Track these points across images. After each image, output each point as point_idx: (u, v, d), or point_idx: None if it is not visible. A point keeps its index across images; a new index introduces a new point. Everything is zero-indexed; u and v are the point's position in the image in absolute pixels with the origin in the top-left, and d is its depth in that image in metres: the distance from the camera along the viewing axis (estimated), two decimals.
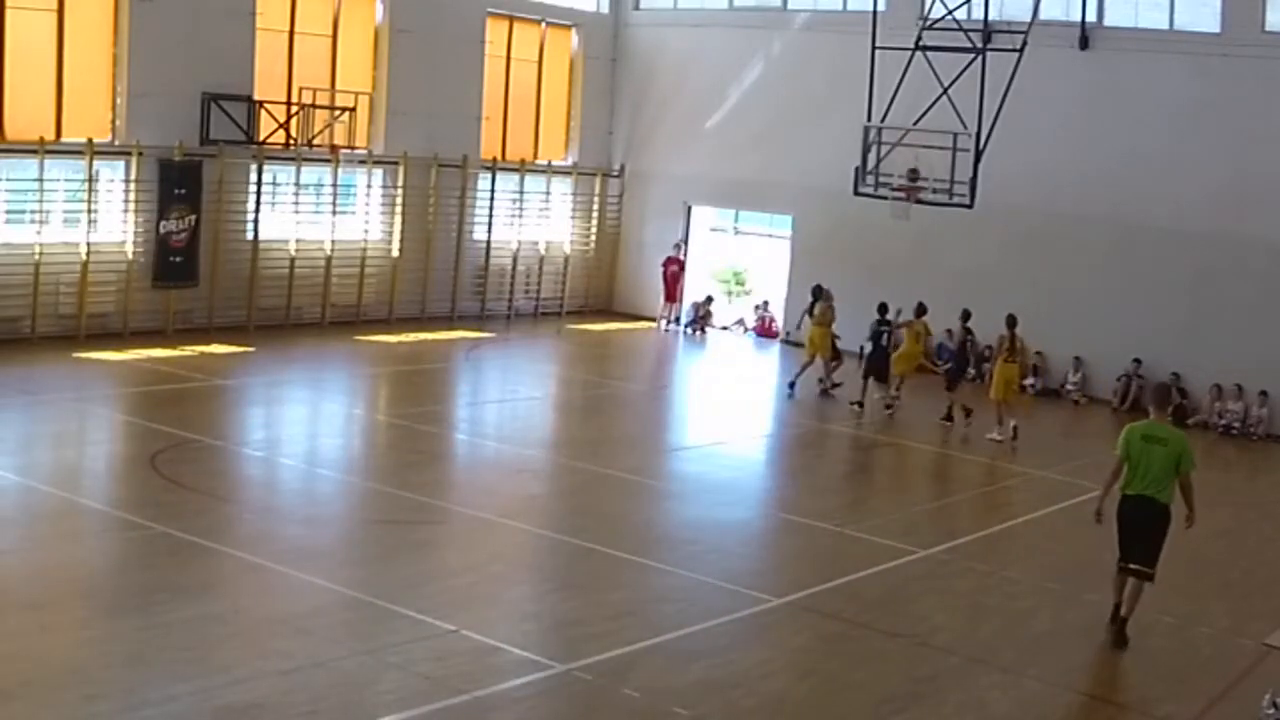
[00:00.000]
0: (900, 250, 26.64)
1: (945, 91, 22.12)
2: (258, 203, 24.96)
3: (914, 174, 22.21)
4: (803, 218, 29.30)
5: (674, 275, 30.21)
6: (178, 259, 23.82)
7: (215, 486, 14.91)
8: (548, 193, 30.66)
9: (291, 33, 25.46)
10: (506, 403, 22.54)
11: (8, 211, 22.43)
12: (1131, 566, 12.03)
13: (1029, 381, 25.87)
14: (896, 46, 22.75)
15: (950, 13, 22.95)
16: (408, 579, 12.38)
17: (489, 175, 28.95)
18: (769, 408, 24.58)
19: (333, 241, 26.31)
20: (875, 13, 23.47)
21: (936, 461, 20.40)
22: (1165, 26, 24.74)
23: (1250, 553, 16.21)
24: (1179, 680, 11.63)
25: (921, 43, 22.65)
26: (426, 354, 25.17)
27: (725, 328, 30.84)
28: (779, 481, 18.74)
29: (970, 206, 22.16)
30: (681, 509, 16.06)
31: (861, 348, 23.18)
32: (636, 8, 31.38)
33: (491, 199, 29.04)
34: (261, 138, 24.35)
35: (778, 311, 30.06)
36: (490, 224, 29.15)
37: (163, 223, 23.58)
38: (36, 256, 22.23)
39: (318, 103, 25.02)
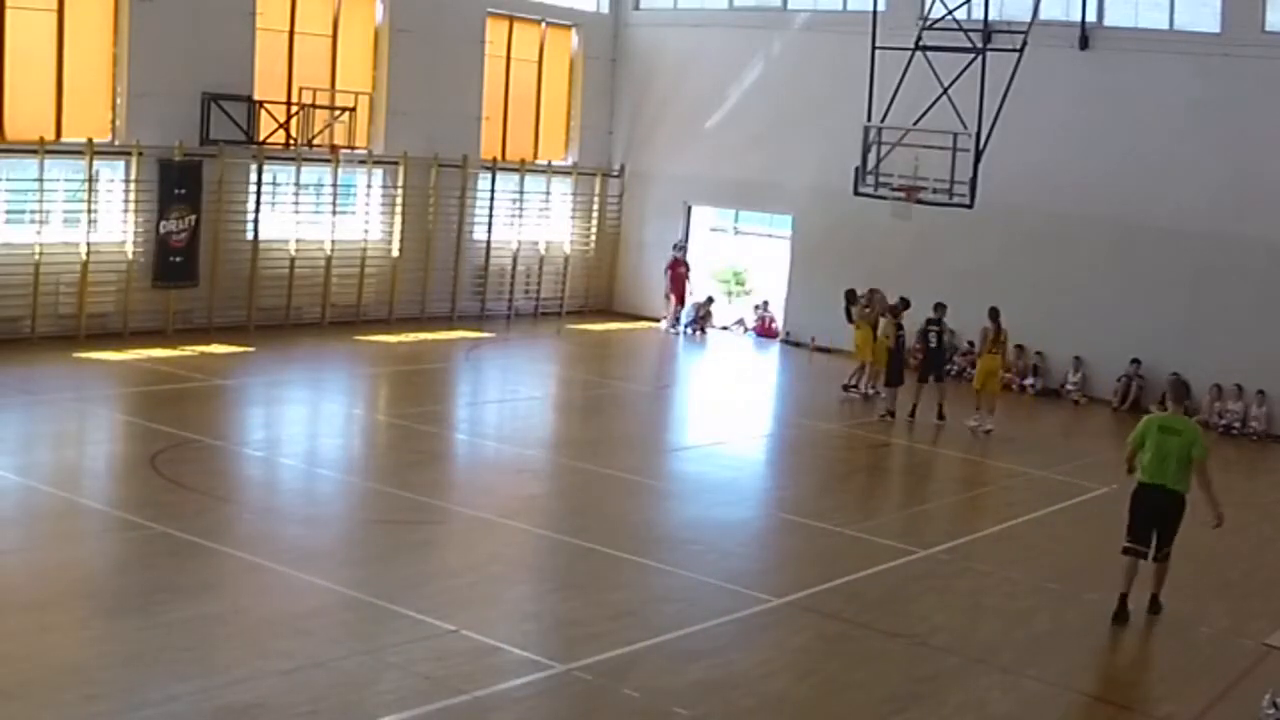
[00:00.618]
0: (900, 250, 26.62)
1: (945, 91, 22.13)
2: (258, 203, 24.96)
3: (912, 189, 22.33)
4: (803, 218, 29.30)
5: (680, 277, 30.18)
6: (178, 259, 23.83)
7: (215, 486, 14.91)
8: (548, 193, 30.67)
9: (291, 33, 25.46)
10: (506, 403, 22.53)
11: (8, 211, 22.43)
12: (1137, 548, 12.69)
13: (1029, 381, 25.90)
14: (896, 46, 22.75)
15: (950, 13, 22.95)
16: (408, 579, 12.38)
17: (489, 175, 28.95)
18: (769, 408, 24.60)
19: (333, 241, 26.31)
20: (875, 13, 23.48)
21: (936, 461, 20.40)
22: (1165, 26, 24.74)
23: (1250, 553, 16.20)
24: (1179, 680, 11.63)
25: (921, 43, 22.65)
26: (426, 354, 25.17)
27: (725, 328, 30.84)
28: (779, 481, 18.73)
29: (970, 206, 22.17)
30: (681, 509, 16.06)
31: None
32: (636, 8, 31.38)
33: (491, 199, 29.04)
34: (261, 138, 24.36)
35: (778, 311, 30.06)
36: (490, 224, 29.15)
37: (163, 223, 23.58)
38: (36, 256, 22.24)
39: (318, 103, 25.02)
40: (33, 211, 22.31)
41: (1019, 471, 18.92)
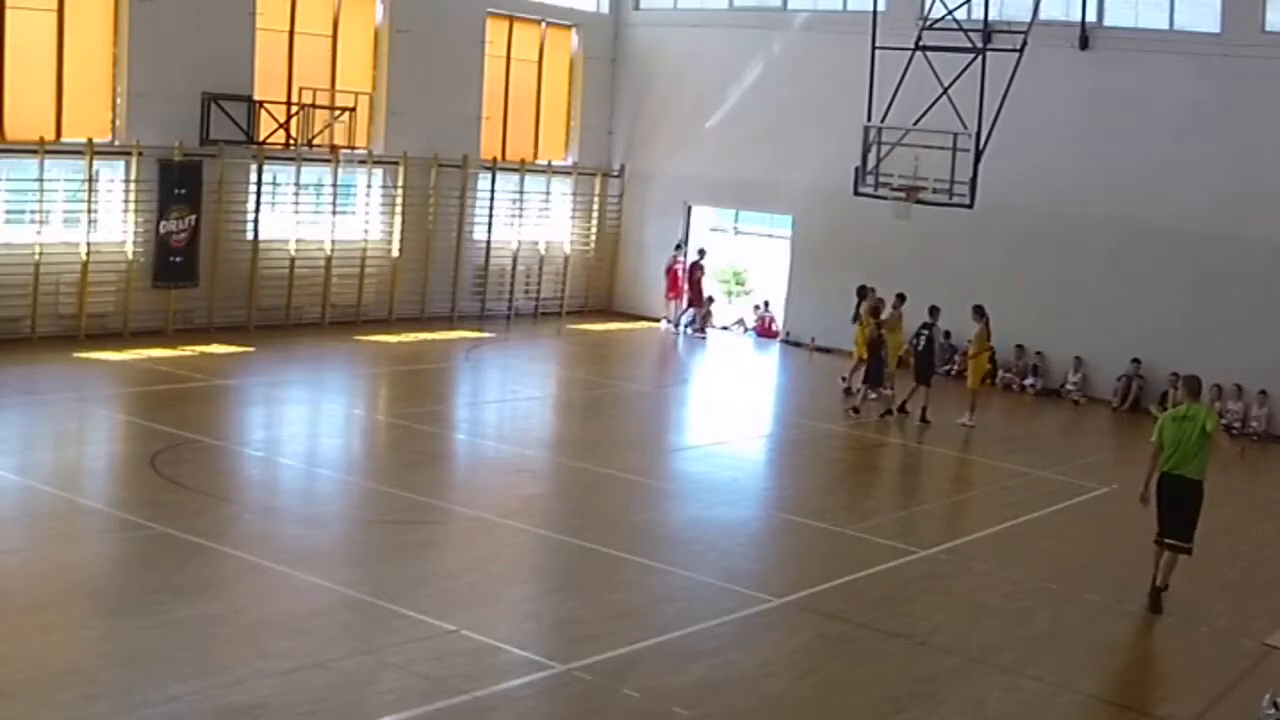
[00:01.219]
0: (900, 250, 26.62)
1: (945, 91, 22.12)
2: (258, 203, 24.96)
3: (912, 189, 22.32)
4: (803, 218, 29.30)
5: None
6: (178, 259, 23.83)
7: (215, 486, 14.92)
8: (548, 193, 30.67)
9: (291, 33, 25.46)
10: (506, 403, 22.53)
11: (8, 211, 22.42)
12: (1168, 541, 13.19)
13: (1029, 381, 25.90)
14: (896, 46, 22.74)
15: (950, 13, 22.95)
16: (408, 579, 12.38)
17: (489, 175, 28.95)
18: (769, 408, 24.60)
19: (333, 241, 26.31)
20: (875, 13, 23.47)
21: (936, 461, 20.40)
22: (1165, 26, 24.74)
23: (1250, 553, 16.21)
24: (1179, 680, 11.64)
25: (921, 43, 22.64)
26: (426, 354, 25.17)
27: (725, 328, 30.84)
28: (779, 481, 18.73)
29: (970, 206, 22.17)
30: (682, 509, 16.06)
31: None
32: (636, 8, 31.38)
33: (491, 199, 29.03)
34: (261, 138, 24.35)
35: (778, 311, 30.07)
36: (490, 224, 29.15)
37: (163, 223, 23.58)
38: (36, 256, 22.23)
39: (318, 103, 25.02)
40: (33, 211, 22.31)
41: (1019, 471, 18.91)
